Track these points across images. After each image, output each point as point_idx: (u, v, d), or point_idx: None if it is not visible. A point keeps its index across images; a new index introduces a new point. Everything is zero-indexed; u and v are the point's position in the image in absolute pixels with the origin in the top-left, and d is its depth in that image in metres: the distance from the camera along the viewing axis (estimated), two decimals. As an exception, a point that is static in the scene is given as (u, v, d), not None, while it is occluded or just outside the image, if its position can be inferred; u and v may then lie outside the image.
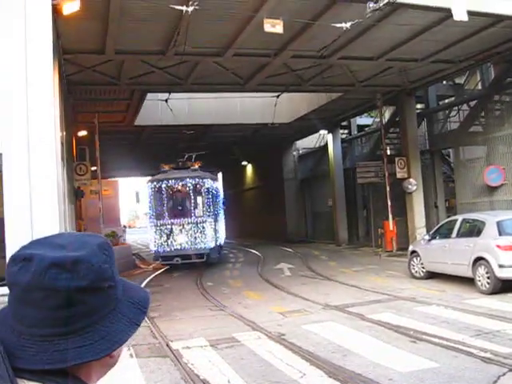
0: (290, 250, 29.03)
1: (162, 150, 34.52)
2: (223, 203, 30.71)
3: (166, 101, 22.30)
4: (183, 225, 22.32)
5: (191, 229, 22.23)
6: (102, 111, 24.07)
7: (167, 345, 9.71)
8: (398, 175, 24.04)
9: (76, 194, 21.40)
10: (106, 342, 1.09)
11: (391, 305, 12.39)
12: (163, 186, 22.85)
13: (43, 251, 1.08)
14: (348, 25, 13.99)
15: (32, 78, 10.82)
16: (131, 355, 9.10)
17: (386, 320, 10.68)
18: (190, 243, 22.07)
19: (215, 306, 13.53)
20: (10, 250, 10.69)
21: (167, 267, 22.90)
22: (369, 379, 7.16)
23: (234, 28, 15.49)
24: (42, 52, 11.01)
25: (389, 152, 26.05)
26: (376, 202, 27.01)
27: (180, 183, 23.14)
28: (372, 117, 33.23)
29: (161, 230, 22.35)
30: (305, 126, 30.85)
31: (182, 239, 22.16)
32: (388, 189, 23.99)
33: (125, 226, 47.53)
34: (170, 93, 22.20)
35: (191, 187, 22.94)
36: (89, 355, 1.06)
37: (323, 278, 17.60)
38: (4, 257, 11.97)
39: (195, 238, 22.11)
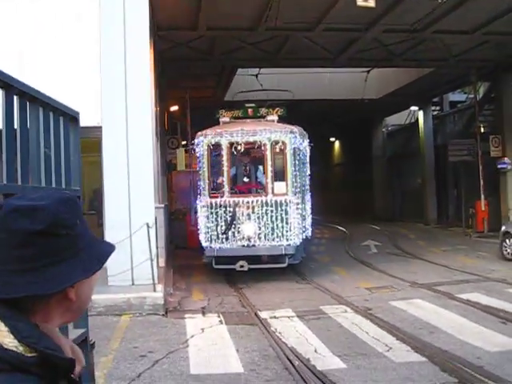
0: (377, 227, 28.76)
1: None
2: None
3: (257, 76, 22.50)
4: (253, 207, 13.61)
5: (266, 214, 13.57)
6: (192, 87, 24.57)
7: (255, 314, 10.00)
8: (493, 154, 23.22)
9: (168, 167, 22.10)
10: (54, 281, 1.19)
11: (481, 285, 12.16)
12: (223, 142, 13.93)
13: (13, 201, 1.25)
14: (444, -3, 13.60)
15: (130, 55, 11.29)
16: (221, 321, 9.49)
17: (474, 300, 10.52)
18: (263, 238, 13.55)
19: (302, 279, 13.72)
20: (109, 219, 11.32)
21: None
22: (456, 356, 7.14)
23: (325, 2, 15.41)
24: (139, 29, 11.46)
25: (483, 130, 25.15)
26: (467, 180, 26.21)
27: (251, 139, 14.02)
28: (465, 93, 32.09)
29: (216, 213, 13.68)
30: (395, 102, 30.25)
31: (250, 230, 13.50)
32: (481, 168, 23.26)
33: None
34: (260, 68, 22.39)
35: (268, 146, 13.79)
36: (35, 289, 1.17)
37: (411, 257, 17.42)
38: (101, 225, 12.68)
39: (272, 229, 13.53)
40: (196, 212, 17.23)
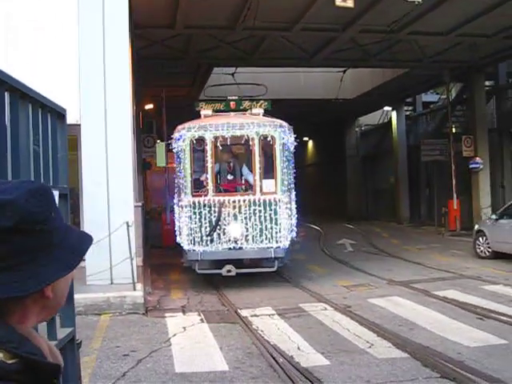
0: (351, 226, 29.02)
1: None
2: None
3: (233, 75, 22.47)
4: (239, 207, 12.52)
5: (254, 214, 12.50)
6: (167, 85, 24.45)
7: (236, 312, 10.01)
8: (465, 153, 23.61)
9: (143, 166, 21.97)
10: (32, 280, 1.10)
11: (456, 282, 12.37)
12: (208, 136, 12.67)
13: None
14: (420, -1, 13.78)
15: (109, 53, 11.20)
16: (202, 320, 9.48)
17: (451, 297, 10.70)
18: (250, 240, 12.51)
19: (280, 277, 13.75)
20: (87, 218, 11.21)
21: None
22: (437, 352, 7.26)
23: (303, 2, 15.50)
24: (119, 27, 11.37)
25: (455, 130, 25.55)
26: (440, 180, 26.60)
27: (238, 132, 12.82)
28: (438, 94, 32.57)
29: (200, 214, 12.51)
30: (368, 102, 30.52)
31: (236, 232, 12.42)
32: (453, 167, 23.62)
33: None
34: (236, 67, 22.37)
35: (256, 141, 12.65)
36: (13, 291, 1.08)
37: (386, 255, 17.62)
38: (78, 223, 12.55)
39: (260, 230, 12.48)
40: (172, 211, 16.91)
